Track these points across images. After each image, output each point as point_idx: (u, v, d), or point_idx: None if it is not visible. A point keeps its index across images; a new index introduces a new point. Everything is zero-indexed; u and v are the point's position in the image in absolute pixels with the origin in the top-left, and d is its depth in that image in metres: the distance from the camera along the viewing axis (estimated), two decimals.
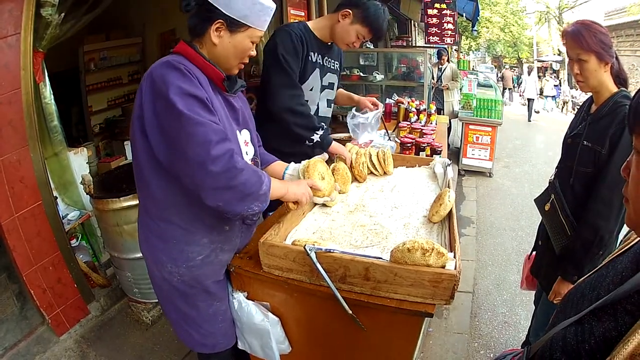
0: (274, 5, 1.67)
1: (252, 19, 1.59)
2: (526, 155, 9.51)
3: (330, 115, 2.96)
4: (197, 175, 1.43)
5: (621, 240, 1.20)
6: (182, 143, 1.41)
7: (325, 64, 2.71)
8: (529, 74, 20.67)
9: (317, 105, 2.78)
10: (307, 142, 2.55)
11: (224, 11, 1.55)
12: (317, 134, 2.53)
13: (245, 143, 1.80)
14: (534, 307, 2.78)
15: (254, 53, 1.74)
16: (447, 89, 8.33)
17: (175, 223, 1.65)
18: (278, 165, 2.13)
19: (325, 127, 2.62)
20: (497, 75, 29.66)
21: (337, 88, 2.99)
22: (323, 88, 2.76)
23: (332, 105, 2.95)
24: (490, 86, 10.90)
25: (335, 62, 2.82)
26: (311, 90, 2.68)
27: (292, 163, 2.14)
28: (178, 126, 1.41)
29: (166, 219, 1.65)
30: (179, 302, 1.77)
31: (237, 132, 1.74)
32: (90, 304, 3.24)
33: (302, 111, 2.52)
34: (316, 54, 2.62)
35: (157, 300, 3.23)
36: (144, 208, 1.72)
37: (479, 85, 10.59)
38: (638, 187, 0.84)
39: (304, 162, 2.08)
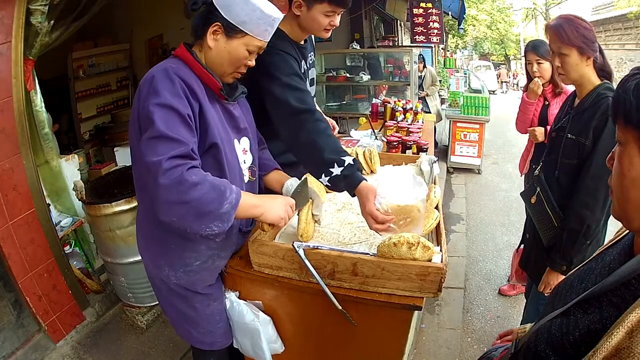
0: (277, 15, 1.59)
1: (250, 26, 1.54)
2: (515, 151, 9.48)
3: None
4: (151, 186, 1.36)
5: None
6: (145, 151, 1.36)
7: (307, 65, 2.39)
8: None
9: None
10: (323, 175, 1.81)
11: (223, 14, 1.52)
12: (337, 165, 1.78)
13: (244, 151, 1.78)
14: (525, 300, 2.82)
15: (251, 63, 1.67)
16: (428, 95, 8.32)
17: (173, 229, 1.62)
18: (277, 174, 2.01)
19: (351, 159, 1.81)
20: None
21: None
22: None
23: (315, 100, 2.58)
24: (480, 91, 10.71)
25: (312, 53, 2.52)
26: None
27: (293, 179, 1.92)
28: (147, 134, 1.38)
29: (164, 224, 1.60)
30: (178, 302, 1.80)
31: (236, 140, 1.73)
32: (85, 310, 3.24)
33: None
34: (302, 62, 2.26)
35: (151, 305, 3.26)
36: (143, 212, 1.74)
37: (472, 89, 10.47)
38: (619, 177, 0.86)
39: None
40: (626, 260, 0.86)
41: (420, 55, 8.32)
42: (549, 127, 3.04)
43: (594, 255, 1.08)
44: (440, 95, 9.82)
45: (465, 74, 12.03)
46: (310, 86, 2.48)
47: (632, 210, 0.85)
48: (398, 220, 1.67)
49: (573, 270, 1.12)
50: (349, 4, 2.08)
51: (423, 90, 8.23)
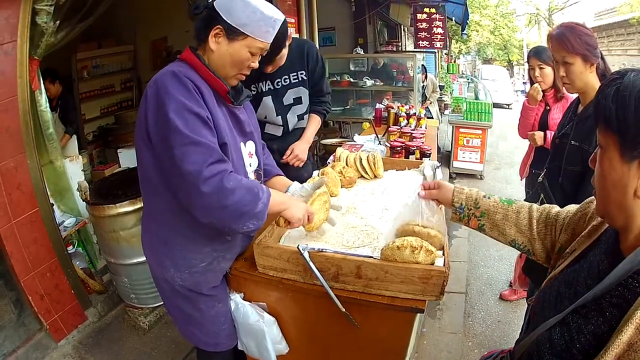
0: (279, 16, 1.62)
1: (251, 28, 1.55)
2: (518, 156, 9.46)
3: (304, 126, 2.90)
4: (190, 193, 1.43)
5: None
6: (178, 159, 1.40)
7: (277, 86, 2.65)
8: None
9: (286, 123, 2.79)
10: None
11: (224, 17, 1.53)
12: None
13: (250, 155, 1.80)
14: (526, 305, 2.81)
15: (255, 65, 1.69)
16: (431, 103, 8.36)
17: (179, 230, 1.66)
18: (280, 179, 2.09)
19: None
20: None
21: (319, 92, 2.90)
22: (288, 107, 2.75)
23: (305, 116, 2.88)
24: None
25: (298, 72, 2.71)
26: (265, 118, 2.71)
27: (295, 183, 2.04)
28: (175, 142, 1.40)
29: (170, 226, 1.67)
30: (182, 303, 1.80)
31: (242, 144, 1.75)
32: (88, 310, 3.25)
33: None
34: (263, 82, 2.58)
35: (153, 306, 3.27)
36: (149, 213, 1.74)
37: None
38: (600, 179, 0.89)
39: (308, 187, 1.94)
40: (614, 260, 0.87)
41: (422, 65, 8.35)
42: (548, 132, 3.05)
43: (574, 256, 1.08)
44: (442, 101, 9.83)
45: (468, 79, 11.93)
46: (291, 105, 2.76)
47: (614, 209, 0.87)
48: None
49: (554, 274, 1.11)
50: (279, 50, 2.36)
51: (427, 99, 8.25)
